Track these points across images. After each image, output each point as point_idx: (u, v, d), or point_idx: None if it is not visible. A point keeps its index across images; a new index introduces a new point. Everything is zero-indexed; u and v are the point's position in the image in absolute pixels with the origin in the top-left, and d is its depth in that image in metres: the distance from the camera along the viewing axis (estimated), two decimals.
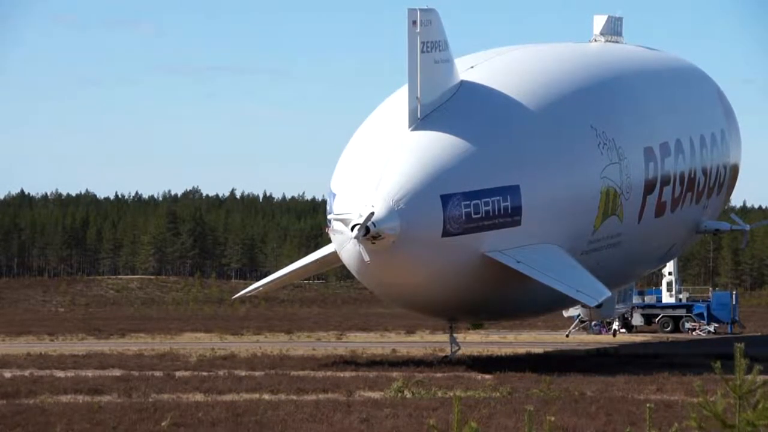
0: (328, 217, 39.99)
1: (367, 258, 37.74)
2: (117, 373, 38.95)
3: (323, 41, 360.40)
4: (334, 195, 39.74)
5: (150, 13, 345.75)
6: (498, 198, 39.52)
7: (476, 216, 38.93)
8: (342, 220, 38.62)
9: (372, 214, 37.66)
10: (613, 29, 53.49)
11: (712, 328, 66.47)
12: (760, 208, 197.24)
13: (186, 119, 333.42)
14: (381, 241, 37.79)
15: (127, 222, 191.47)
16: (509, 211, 39.77)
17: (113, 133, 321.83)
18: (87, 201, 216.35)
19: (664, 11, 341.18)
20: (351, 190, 38.97)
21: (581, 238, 42.82)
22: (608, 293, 41.40)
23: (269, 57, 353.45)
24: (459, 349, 44.69)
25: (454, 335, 44.90)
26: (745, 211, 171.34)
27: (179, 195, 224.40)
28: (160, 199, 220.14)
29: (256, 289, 51.81)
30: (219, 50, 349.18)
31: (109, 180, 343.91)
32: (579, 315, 59.38)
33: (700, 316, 67.19)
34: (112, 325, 72.02)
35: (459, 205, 38.62)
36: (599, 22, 53.35)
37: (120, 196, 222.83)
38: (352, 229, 37.66)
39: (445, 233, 38.43)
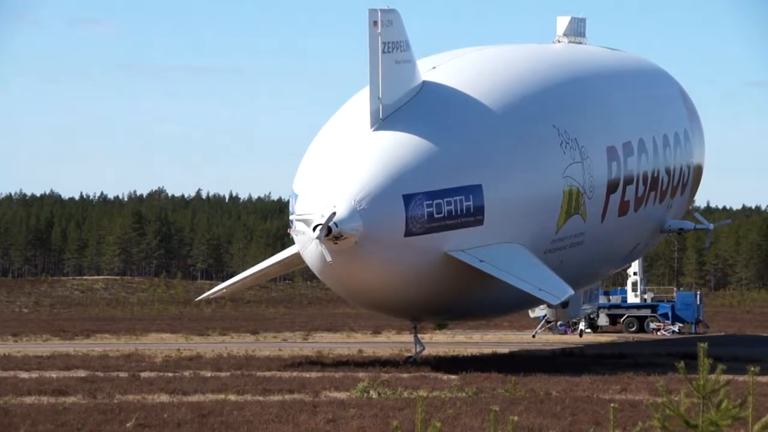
0: (291, 218, 39.98)
1: (329, 258, 37.74)
2: (82, 374, 38.78)
3: (288, 41, 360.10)
4: (297, 196, 39.75)
5: (112, 13, 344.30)
6: (460, 197, 39.61)
7: (439, 216, 39.01)
8: (304, 221, 38.61)
9: (334, 214, 37.68)
10: (576, 30, 53.73)
11: (676, 328, 66.78)
12: (724, 208, 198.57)
13: (151, 119, 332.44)
14: (343, 241, 37.80)
15: (92, 222, 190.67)
16: (472, 210, 39.86)
17: (77, 133, 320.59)
18: (51, 201, 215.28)
19: (627, 12, 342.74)
20: (313, 191, 38.97)
21: (544, 237, 42.96)
22: (571, 292, 41.57)
23: (234, 57, 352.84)
24: (423, 349, 44.74)
25: (419, 335, 44.95)
26: (709, 212, 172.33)
27: (144, 195, 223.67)
28: (126, 199, 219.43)
29: (220, 290, 51.75)
30: (183, 49, 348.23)
31: (74, 180, 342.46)
32: (545, 315, 59.57)
33: (665, 316, 67.50)
34: (77, 325, 71.69)
35: (421, 205, 38.68)
36: (562, 23, 53.58)
37: (85, 196, 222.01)
38: (314, 229, 37.65)
39: (408, 233, 38.48)
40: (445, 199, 39.20)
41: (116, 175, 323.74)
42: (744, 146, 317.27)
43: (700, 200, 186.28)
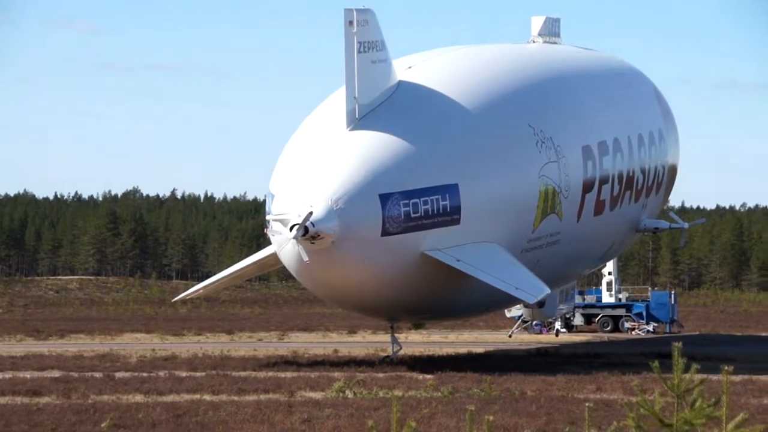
0: (267, 217, 39.95)
1: (306, 258, 37.72)
2: (56, 374, 38.64)
3: (263, 41, 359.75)
4: (273, 196, 39.72)
5: (87, 12, 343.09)
6: (437, 197, 39.66)
7: (415, 215, 39.05)
8: (281, 221, 38.59)
9: (311, 213, 37.66)
10: (551, 30, 53.90)
11: (651, 328, 67.01)
12: (698, 208, 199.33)
13: (125, 118, 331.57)
14: (320, 240, 37.79)
15: (67, 222, 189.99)
16: (448, 210, 39.92)
17: (52, 132, 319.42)
18: (26, 201, 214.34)
19: (601, 12, 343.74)
20: (289, 191, 38.95)
21: (520, 236, 43.04)
22: (547, 290, 41.67)
23: (209, 56, 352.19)
24: (401, 349, 44.77)
25: (396, 335, 44.97)
26: (683, 211, 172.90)
27: (119, 195, 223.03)
28: (100, 199, 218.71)
29: (196, 291, 51.67)
30: (158, 49, 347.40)
31: (48, 180, 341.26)
32: (521, 315, 59.68)
33: (639, 315, 67.71)
34: (51, 325, 71.41)
35: (398, 205, 38.71)
36: (537, 23, 53.75)
37: (59, 196, 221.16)
38: (291, 229, 37.64)
39: (385, 232, 38.50)
40: (421, 199, 39.25)
41: (91, 175, 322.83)
42: (718, 146, 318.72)
43: (675, 200, 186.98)
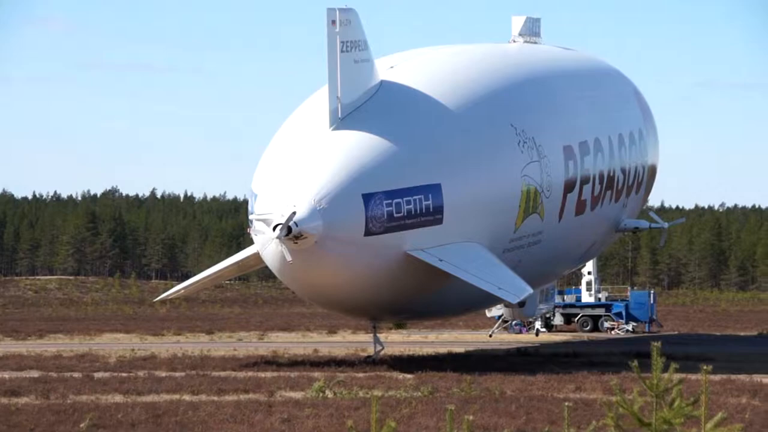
0: (250, 217, 39.91)
1: (289, 258, 37.69)
2: (35, 374, 38.52)
3: (243, 39, 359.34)
4: (256, 195, 39.67)
5: (62, 10, 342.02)
6: (420, 197, 39.69)
7: (398, 215, 39.06)
8: (264, 220, 38.56)
9: (294, 213, 37.64)
10: (532, 30, 54.00)
11: (630, 327, 67.15)
12: (677, 208, 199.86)
13: (104, 118, 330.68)
14: (303, 240, 37.77)
15: (45, 222, 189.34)
16: (431, 209, 39.94)
17: (30, 132, 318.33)
18: (4, 201, 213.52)
19: (580, 12, 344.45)
20: (272, 191, 38.92)
21: (503, 236, 43.10)
22: (530, 290, 41.76)
23: (187, 55, 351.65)
24: (383, 348, 44.78)
25: (378, 335, 44.99)
26: (662, 211, 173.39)
27: (98, 195, 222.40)
28: (79, 198, 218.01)
29: (177, 291, 51.57)
30: (136, 48, 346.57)
31: (27, 179, 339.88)
32: (501, 315, 59.75)
33: (619, 315, 67.86)
34: (30, 326, 71.17)
35: (381, 204, 38.71)
36: (517, 23, 53.84)
37: (38, 195, 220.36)
38: (274, 229, 37.61)
39: (368, 232, 38.51)
40: (404, 199, 39.28)
41: (69, 175, 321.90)
42: (696, 146, 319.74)
43: (655, 200, 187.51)
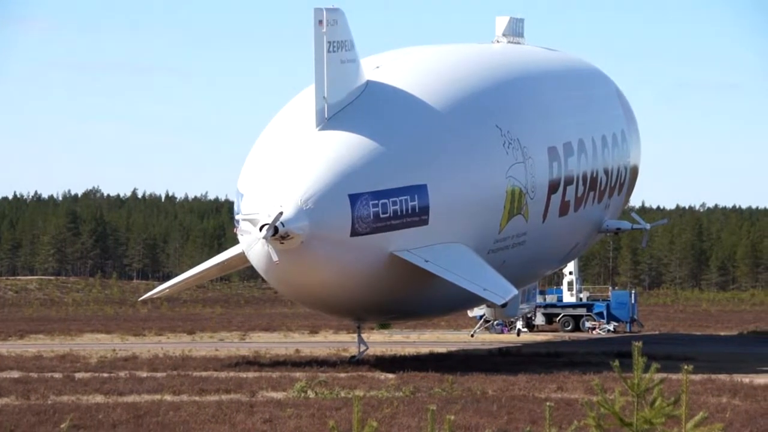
0: (236, 217, 39.86)
1: (275, 258, 37.66)
2: (15, 375, 38.38)
3: (226, 39, 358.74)
4: (242, 195, 39.62)
5: (43, 9, 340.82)
6: (406, 197, 39.71)
7: (384, 215, 39.08)
8: (250, 220, 38.53)
9: (280, 213, 37.63)
10: (515, 30, 54.06)
11: (611, 327, 67.29)
12: (658, 208, 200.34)
13: (85, 118, 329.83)
14: (289, 240, 37.75)
15: (26, 222, 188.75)
16: (417, 210, 39.97)
17: (10, 131, 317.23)
18: None
19: (563, 13, 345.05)
20: (259, 190, 38.89)
21: (487, 237, 43.16)
22: (515, 291, 41.87)
23: (169, 55, 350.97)
24: (367, 349, 44.79)
25: (362, 335, 45.01)
26: (643, 211, 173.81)
27: (79, 195, 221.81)
28: (60, 198, 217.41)
29: (161, 291, 51.49)
30: (117, 48, 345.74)
31: (7, 179, 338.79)
32: (483, 315, 59.79)
33: (600, 315, 68.00)
34: (11, 326, 70.94)
35: (367, 205, 38.72)
36: (501, 23, 53.89)
37: (18, 195, 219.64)
38: (261, 229, 37.58)
39: (354, 233, 38.51)
40: (390, 199, 39.30)
41: (50, 174, 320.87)
42: (678, 146, 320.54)
43: (636, 200, 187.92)
